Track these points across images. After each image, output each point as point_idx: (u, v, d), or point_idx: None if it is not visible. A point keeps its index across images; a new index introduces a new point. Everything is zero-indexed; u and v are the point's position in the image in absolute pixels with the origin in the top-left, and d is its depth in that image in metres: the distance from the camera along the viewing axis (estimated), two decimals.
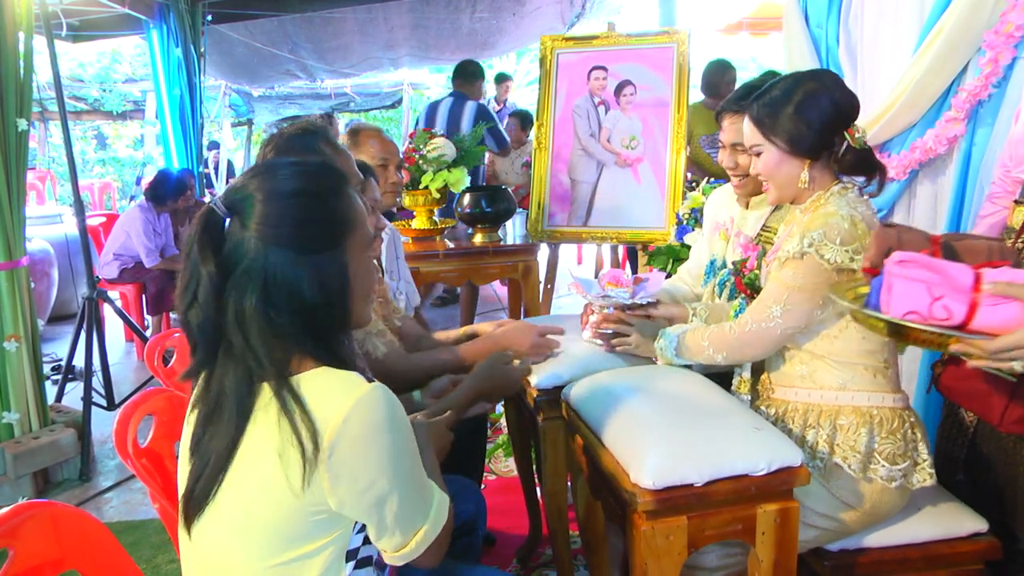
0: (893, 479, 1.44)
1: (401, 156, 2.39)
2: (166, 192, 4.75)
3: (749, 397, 1.74)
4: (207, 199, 4.90)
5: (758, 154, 1.56)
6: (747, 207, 1.98)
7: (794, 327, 1.49)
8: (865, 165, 1.53)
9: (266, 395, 0.96)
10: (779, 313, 1.47)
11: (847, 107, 1.50)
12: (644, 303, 1.85)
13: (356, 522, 1.01)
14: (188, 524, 1.03)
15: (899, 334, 1.24)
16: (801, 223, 1.51)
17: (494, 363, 1.58)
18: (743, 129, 1.59)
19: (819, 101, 1.48)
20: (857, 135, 1.50)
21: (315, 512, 0.96)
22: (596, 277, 1.99)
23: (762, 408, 1.62)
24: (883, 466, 1.44)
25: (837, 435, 1.47)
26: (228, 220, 0.98)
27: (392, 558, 1.03)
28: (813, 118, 1.48)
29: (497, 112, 7.53)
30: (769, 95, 1.53)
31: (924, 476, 1.48)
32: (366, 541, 1.03)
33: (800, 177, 1.52)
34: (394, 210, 5.04)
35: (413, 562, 1.04)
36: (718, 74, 4.23)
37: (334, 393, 0.95)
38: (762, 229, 1.85)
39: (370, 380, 0.98)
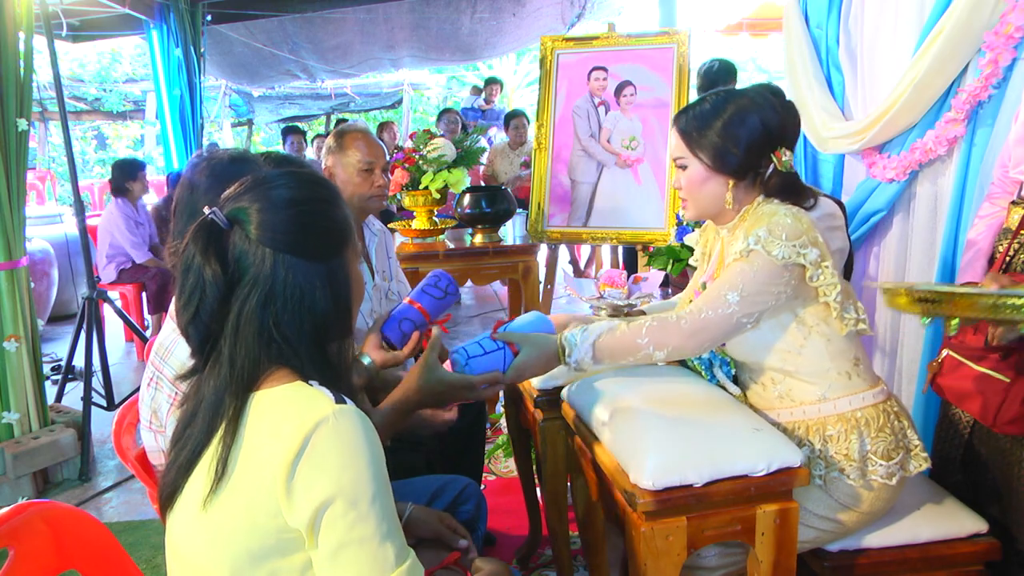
0: (893, 474, 1.42)
1: (388, 158, 2.33)
2: (123, 179, 4.87)
3: None
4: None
5: (683, 167, 1.50)
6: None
7: (748, 316, 1.39)
8: (791, 189, 1.48)
9: (237, 409, 0.95)
10: (736, 300, 1.38)
11: (777, 128, 1.45)
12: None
13: None
14: (164, 520, 1.03)
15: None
16: (740, 232, 1.46)
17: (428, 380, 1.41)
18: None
19: (748, 119, 1.43)
20: (784, 158, 1.46)
21: (281, 529, 0.92)
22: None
23: None
24: (881, 465, 1.42)
25: (829, 447, 1.44)
26: (229, 230, 0.97)
27: None
28: (741, 136, 1.43)
29: (484, 111, 7.58)
30: (700, 107, 1.48)
31: (920, 462, 1.46)
32: None
33: (724, 197, 1.48)
34: (394, 210, 5.06)
35: None
36: (721, 77, 3.99)
37: (298, 412, 0.92)
38: None
39: (342, 400, 0.94)
